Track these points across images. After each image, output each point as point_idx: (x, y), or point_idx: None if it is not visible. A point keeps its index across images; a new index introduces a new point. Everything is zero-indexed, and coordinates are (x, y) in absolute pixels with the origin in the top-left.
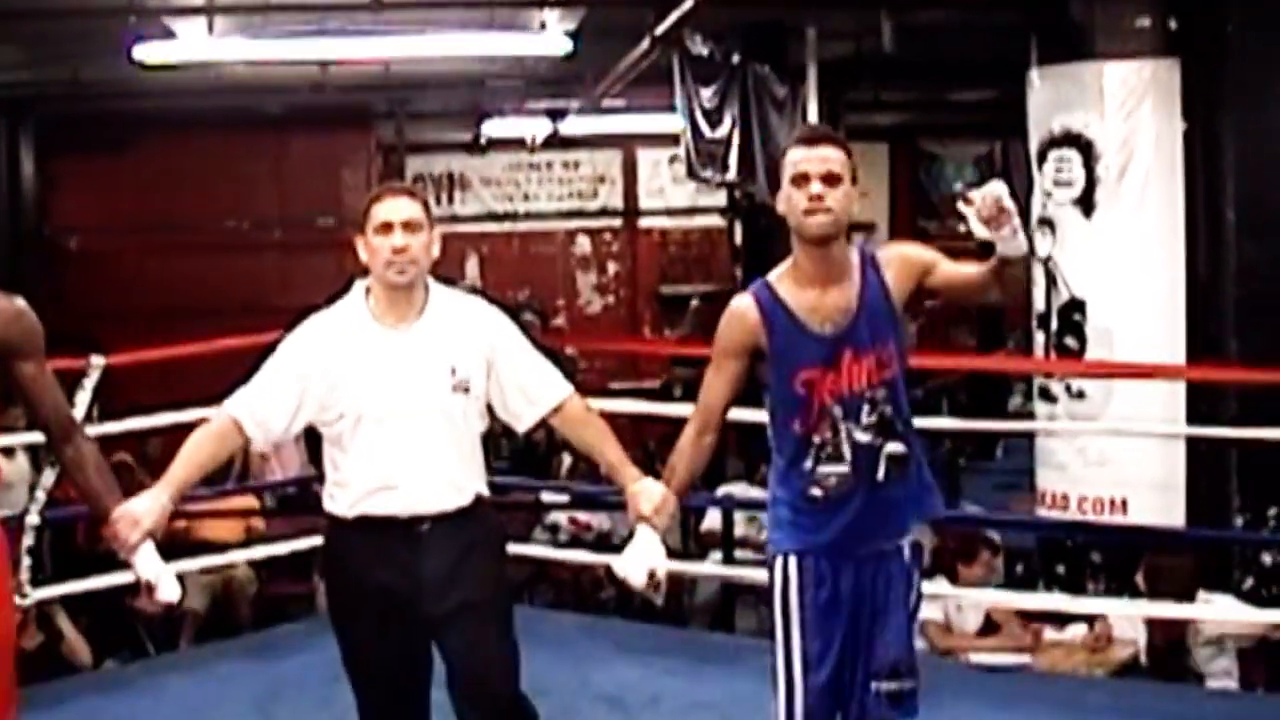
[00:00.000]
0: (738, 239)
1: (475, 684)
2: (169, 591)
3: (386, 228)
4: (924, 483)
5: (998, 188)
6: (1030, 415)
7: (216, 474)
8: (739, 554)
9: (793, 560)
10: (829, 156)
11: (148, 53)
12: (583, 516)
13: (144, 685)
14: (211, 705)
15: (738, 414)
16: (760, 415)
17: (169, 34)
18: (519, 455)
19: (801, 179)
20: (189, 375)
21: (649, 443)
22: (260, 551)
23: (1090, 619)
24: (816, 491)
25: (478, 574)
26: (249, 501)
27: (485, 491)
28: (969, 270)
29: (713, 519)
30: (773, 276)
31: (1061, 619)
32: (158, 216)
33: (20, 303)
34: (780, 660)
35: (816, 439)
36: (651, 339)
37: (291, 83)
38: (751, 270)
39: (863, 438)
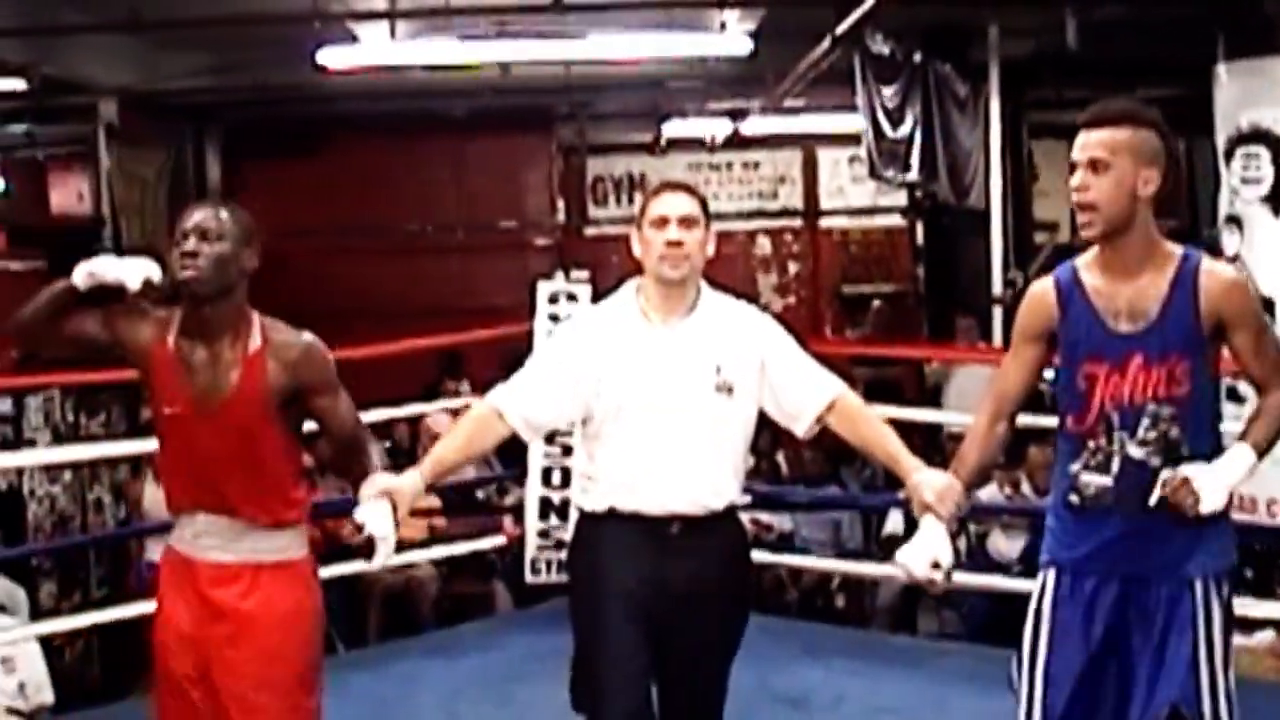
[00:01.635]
0: (919, 239)
1: (680, 714)
2: (382, 555)
3: (662, 222)
4: (1218, 526)
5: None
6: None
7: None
8: None
9: (1051, 573)
10: (1091, 141)
11: (331, 58)
12: (765, 517)
13: (329, 682)
14: (395, 703)
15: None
16: None
17: (352, 39)
18: None
19: (1073, 167)
20: (374, 377)
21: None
22: (442, 551)
23: (1278, 624)
24: (1073, 498)
25: (719, 588)
26: (431, 501)
27: (740, 500)
28: (1252, 363)
29: (895, 522)
30: (1083, 258)
31: (1249, 624)
32: (341, 220)
33: (307, 339)
34: (1025, 672)
35: (1091, 443)
36: (833, 339)
37: (473, 85)
38: (933, 270)
39: (1137, 453)
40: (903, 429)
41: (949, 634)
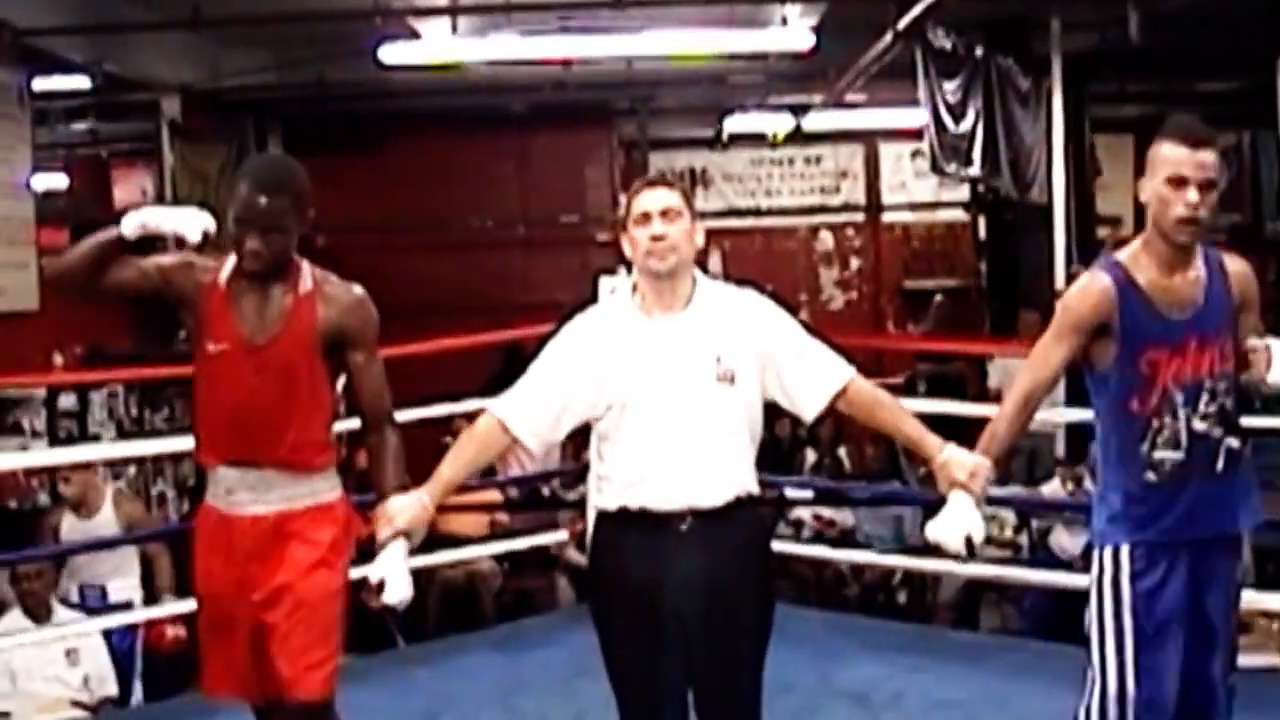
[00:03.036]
0: (981, 233)
1: (714, 712)
2: (395, 594)
3: (645, 218)
4: (1252, 484)
5: None
6: None
7: None
8: (985, 552)
9: (1125, 549)
10: (1206, 162)
11: (393, 54)
12: (826, 512)
13: (390, 677)
14: (456, 697)
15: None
16: None
17: (413, 35)
18: (763, 451)
19: (1179, 182)
20: (435, 372)
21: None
22: (503, 546)
23: None
24: (1152, 476)
25: (736, 582)
26: (493, 496)
27: (754, 490)
28: (1249, 338)
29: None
30: (1122, 257)
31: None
32: (403, 215)
33: (358, 292)
34: (1113, 645)
35: (1155, 423)
36: (896, 334)
37: (534, 81)
38: (996, 264)
39: (1200, 426)
40: (964, 424)
41: (1011, 630)
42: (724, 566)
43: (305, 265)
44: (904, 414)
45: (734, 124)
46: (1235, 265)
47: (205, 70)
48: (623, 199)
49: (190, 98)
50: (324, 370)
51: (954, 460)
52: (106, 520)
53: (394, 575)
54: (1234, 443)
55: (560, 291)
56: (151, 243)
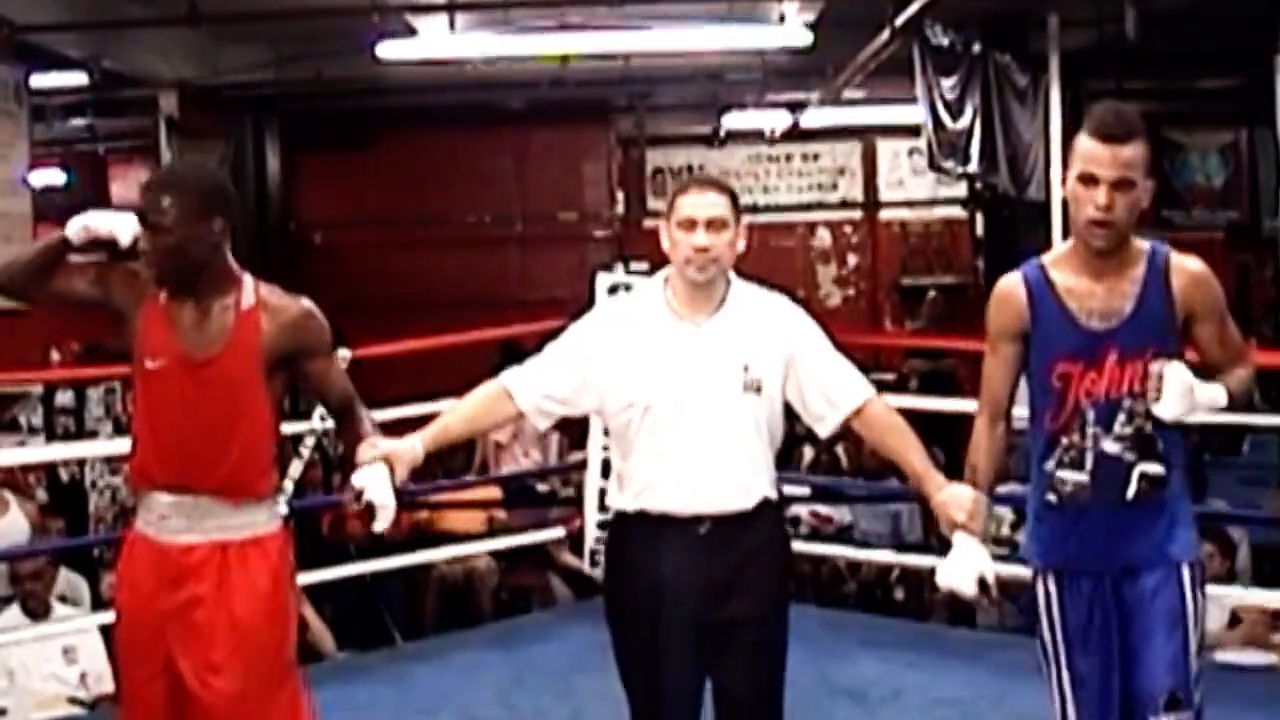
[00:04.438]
0: (979, 230)
1: (735, 714)
2: (383, 520)
3: (690, 224)
4: (1179, 518)
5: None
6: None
7: (456, 465)
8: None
9: (1051, 578)
10: (1121, 158)
11: (390, 50)
12: (824, 509)
13: (388, 673)
14: (454, 694)
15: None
16: None
17: (411, 31)
18: None
19: (1089, 179)
20: (431, 368)
21: None
22: (501, 542)
23: None
24: (1051, 497)
25: (754, 587)
26: (491, 492)
27: (774, 495)
28: (1215, 351)
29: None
30: (1049, 257)
31: None
32: (400, 211)
33: (306, 305)
34: (1053, 677)
35: (1064, 440)
36: (892, 331)
37: (532, 78)
38: (993, 261)
39: (1111, 448)
40: (958, 421)
41: (1009, 627)
42: (742, 570)
43: (248, 279)
44: (912, 444)
45: (731, 121)
46: (1187, 271)
47: (203, 66)
48: (666, 198)
49: (188, 94)
50: (267, 390)
51: (951, 500)
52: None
53: (380, 498)
54: (1152, 469)
55: (558, 288)
56: (98, 250)
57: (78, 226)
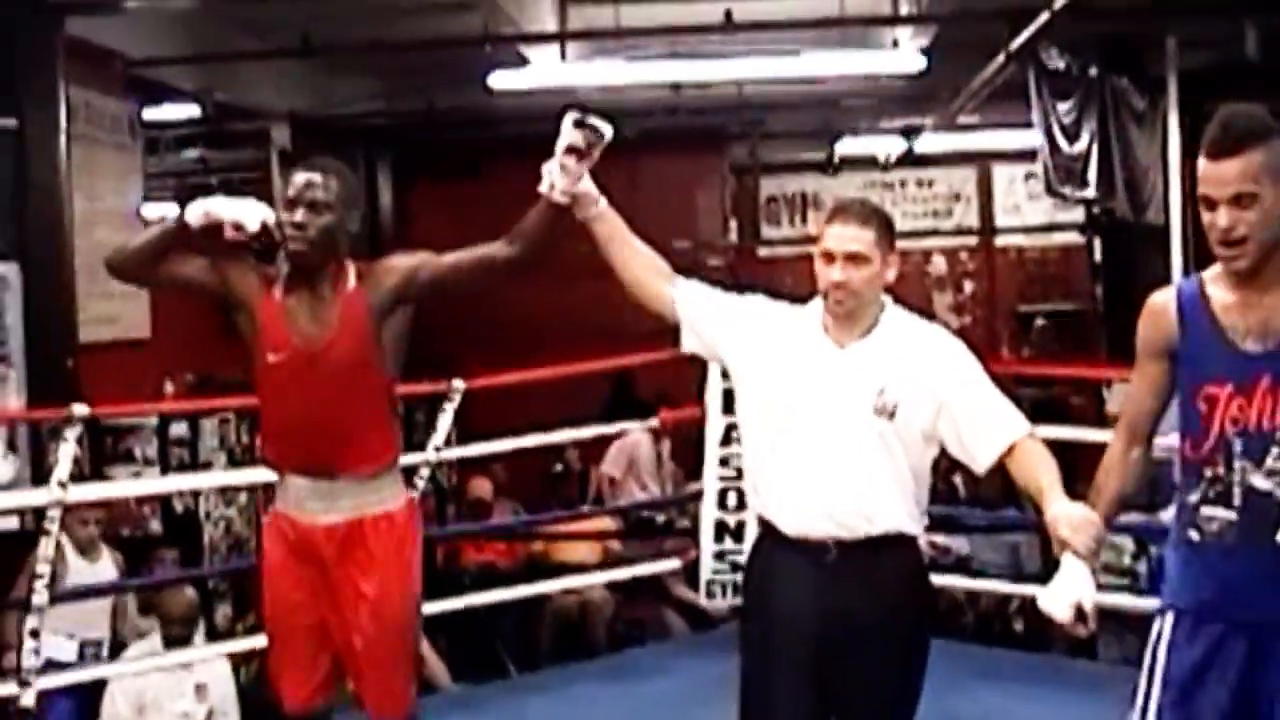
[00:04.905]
0: (1097, 256)
1: None
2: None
3: (828, 257)
4: None
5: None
6: None
7: (570, 497)
8: (1103, 580)
9: (1169, 617)
10: (1228, 175)
11: (502, 80)
12: (941, 539)
13: (502, 706)
14: None
15: None
16: None
17: (523, 61)
18: None
19: (1206, 202)
20: (543, 400)
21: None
22: (616, 574)
23: None
24: (1193, 534)
25: (882, 620)
26: (606, 524)
27: (907, 529)
28: None
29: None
30: (1210, 271)
31: None
32: None
33: (385, 263)
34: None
35: (1208, 472)
36: (1009, 359)
37: (644, 105)
38: (1112, 287)
39: (1262, 484)
40: (1072, 449)
41: (1131, 659)
42: (873, 601)
43: (350, 265)
44: (1048, 470)
45: (845, 147)
46: None
47: (315, 98)
48: (812, 217)
49: (300, 125)
50: (381, 362)
51: (1061, 516)
52: (108, 566)
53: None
54: None
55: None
56: (214, 239)
57: (199, 211)
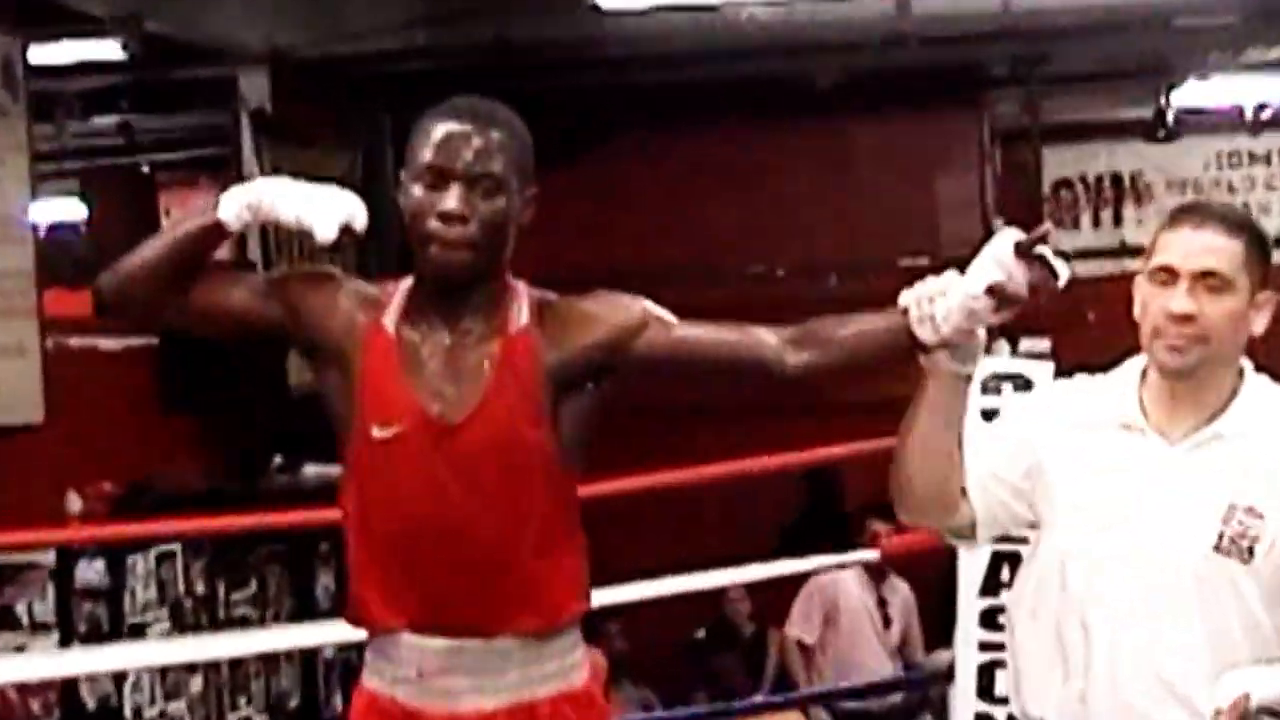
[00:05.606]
0: None
1: None
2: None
3: (1167, 275)
4: None
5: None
6: None
7: (734, 678)
8: None
9: None
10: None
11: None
12: None
13: None
14: None
15: None
16: None
17: None
18: None
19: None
20: (701, 515)
21: None
22: None
23: None
24: None
25: None
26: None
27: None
28: None
29: None
30: None
31: None
32: (632, 262)
33: (596, 295)
34: None
35: None
36: None
37: (849, 37)
38: None
39: None
40: None
41: None
42: None
43: (523, 288)
44: None
45: (1185, 97)
46: None
47: (309, 28)
48: (1136, 215)
49: (285, 73)
50: (559, 451)
51: None
52: None
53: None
54: None
55: (896, 382)
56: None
57: (238, 205)
